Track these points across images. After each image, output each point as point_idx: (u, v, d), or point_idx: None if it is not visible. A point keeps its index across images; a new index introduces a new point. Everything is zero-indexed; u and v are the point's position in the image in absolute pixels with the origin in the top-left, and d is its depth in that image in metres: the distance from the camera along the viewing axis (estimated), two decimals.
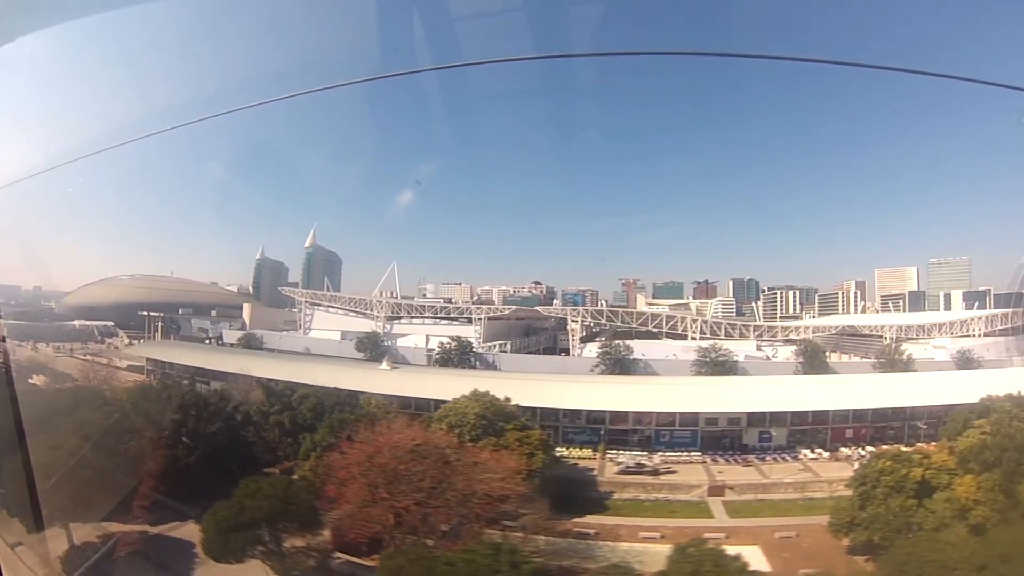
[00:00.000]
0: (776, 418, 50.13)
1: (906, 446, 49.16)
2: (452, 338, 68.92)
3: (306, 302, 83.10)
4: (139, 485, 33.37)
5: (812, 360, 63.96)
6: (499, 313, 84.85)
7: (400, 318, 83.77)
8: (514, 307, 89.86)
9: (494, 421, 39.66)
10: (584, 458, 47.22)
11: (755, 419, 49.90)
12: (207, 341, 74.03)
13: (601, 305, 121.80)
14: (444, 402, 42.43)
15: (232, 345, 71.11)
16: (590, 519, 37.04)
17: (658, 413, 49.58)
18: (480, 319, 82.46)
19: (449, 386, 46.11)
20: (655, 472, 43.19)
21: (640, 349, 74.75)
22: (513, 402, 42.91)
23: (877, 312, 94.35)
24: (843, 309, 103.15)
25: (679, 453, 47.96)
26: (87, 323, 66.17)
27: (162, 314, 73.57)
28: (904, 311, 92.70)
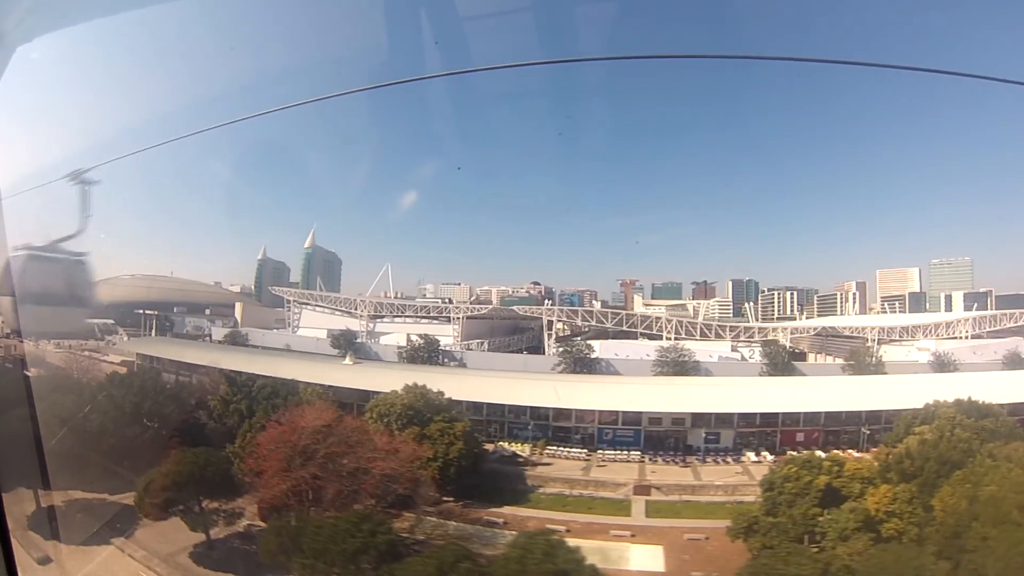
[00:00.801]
0: (722, 419, 50.25)
1: (858, 451, 48.52)
2: (420, 336, 72.32)
3: (295, 301, 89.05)
4: (101, 458, 38.44)
5: (774, 361, 63.03)
6: (476, 313, 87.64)
7: (383, 317, 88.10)
8: (490, 307, 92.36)
9: (422, 412, 42.38)
10: (522, 452, 49.14)
11: (700, 420, 50.14)
12: (206, 338, 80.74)
13: (593, 306, 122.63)
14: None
15: (218, 342, 77.38)
16: (506, 509, 38.98)
17: (600, 411, 50.83)
18: (458, 318, 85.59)
19: (396, 380, 49.09)
20: (532, 463, 45.11)
21: (613, 349, 75.65)
22: (447, 396, 45.69)
23: (879, 313, 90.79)
24: (841, 310, 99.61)
25: (618, 451, 49.03)
26: (90, 321, 73.58)
27: (156, 312, 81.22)
28: (905, 312, 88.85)
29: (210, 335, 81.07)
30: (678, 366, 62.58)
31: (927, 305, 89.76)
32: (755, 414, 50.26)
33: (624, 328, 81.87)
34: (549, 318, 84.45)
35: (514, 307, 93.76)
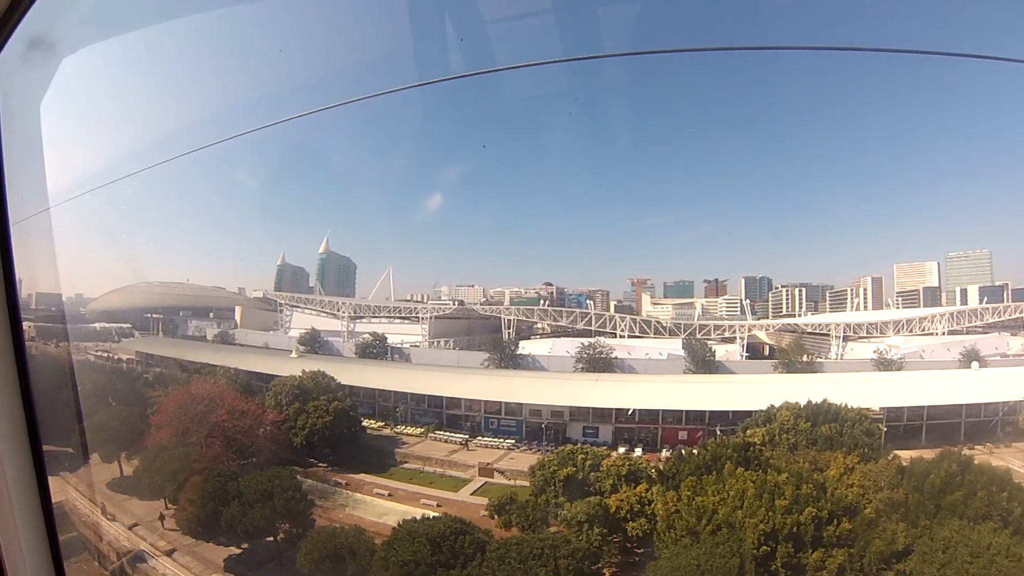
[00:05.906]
0: (600, 414, 54.57)
1: None
2: (371, 334, 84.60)
3: (286, 305, 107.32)
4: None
5: (696, 359, 63.63)
6: (443, 314, 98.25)
7: (362, 318, 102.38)
8: (456, 308, 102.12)
9: (309, 392, 53.91)
10: (411, 434, 58.49)
11: (578, 414, 55.09)
12: (203, 338, 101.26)
13: (587, 306, 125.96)
14: None
15: (209, 341, 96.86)
16: (361, 475, 48.63)
17: (485, 401, 58.15)
18: (426, 319, 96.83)
19: (313, 368, 61.19)
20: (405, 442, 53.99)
21: (563, 347, 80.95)
22: (338, 381, 56.96)
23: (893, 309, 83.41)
24: (852, 306, 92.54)
25: (494, 439, 55.98)
26: (107, 325, 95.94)
27: (162, 316, 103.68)
28: (920, 307, 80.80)
29: (205, 336, 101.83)
30: (596, 362, 66.61)
31: (943, 299, 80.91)
32: (635, 410, 53.75)
33: (580, 327, 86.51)
34: (508, 317, 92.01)
35: (476, 308, 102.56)
